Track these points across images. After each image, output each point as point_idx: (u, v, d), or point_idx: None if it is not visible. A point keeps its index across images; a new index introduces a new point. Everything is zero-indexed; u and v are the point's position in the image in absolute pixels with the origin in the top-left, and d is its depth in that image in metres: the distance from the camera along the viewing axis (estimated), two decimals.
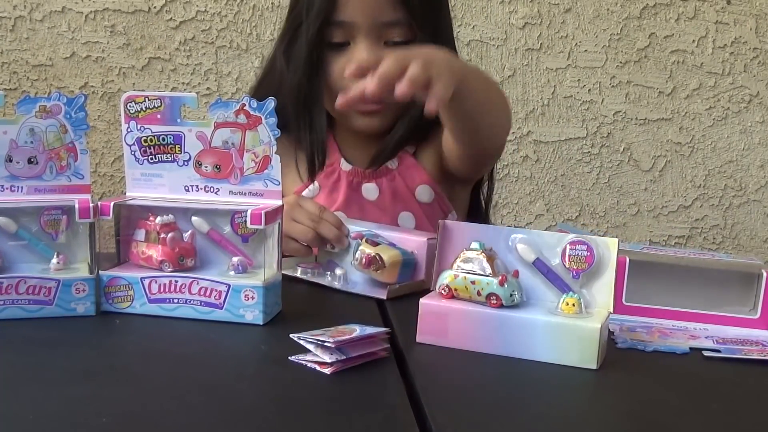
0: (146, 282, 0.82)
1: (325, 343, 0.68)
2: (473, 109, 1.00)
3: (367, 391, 0.65)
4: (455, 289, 0.76)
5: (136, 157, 0.86)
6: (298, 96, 1.15)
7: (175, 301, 0.82)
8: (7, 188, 0.83)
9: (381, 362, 0.71)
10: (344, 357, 0.68)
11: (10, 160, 0.83)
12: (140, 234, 0.85)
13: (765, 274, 0.84)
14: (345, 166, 1.21)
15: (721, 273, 0.88)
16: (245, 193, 0.85)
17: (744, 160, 2.00)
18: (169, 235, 0.84)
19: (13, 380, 0.65)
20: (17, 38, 1.76)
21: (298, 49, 1.14)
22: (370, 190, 1.20)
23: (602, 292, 0.75)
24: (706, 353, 0.77)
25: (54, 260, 0.82)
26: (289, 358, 0.70)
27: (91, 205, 0.81)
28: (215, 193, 0.85)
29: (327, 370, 0.67)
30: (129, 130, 0.86)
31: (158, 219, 0.84)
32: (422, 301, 0.76)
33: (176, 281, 0.82)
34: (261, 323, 0.80)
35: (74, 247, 0.84)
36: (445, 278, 0.77)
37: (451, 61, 0.90)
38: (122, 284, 0.83)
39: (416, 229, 1.18)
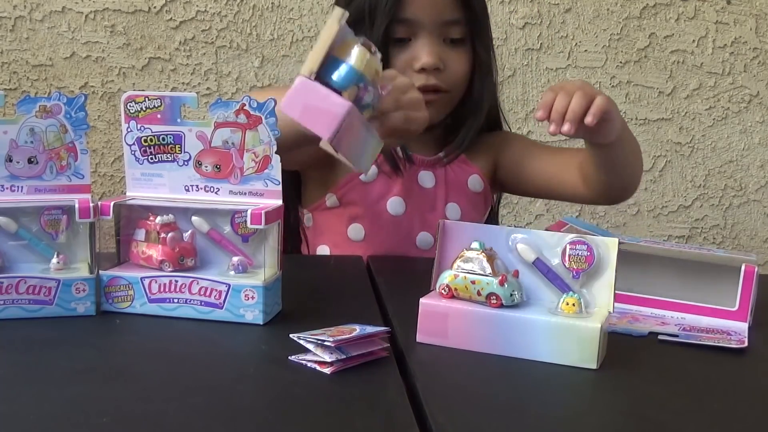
0: (146, 282, 0.82)
1: (325, 343, 0.68)
2: (621, 159, 1.09)
3: (367, 391, 0.65)
4: (455, 289, 0.76)
5: (136, 157, 0.86)
6: None
7: (175, 300, 0.82)
8: (7, 188, 0.83)
9: (381, 362, 0.71)
10: (344, 356, 0.68)
11: (11, 160, 0.83)
12: (140, 234, 0.85)
13: (744, 268, 0.85)
14: (401, 152, 1.24)
15: (712, 267, 0.90)
16: (245, 193, 0.85)
17: (744, 160, 2.00)
18: (169, 234, 0.84)
19: (13, 380, 0.65)
20: (17, 38, 1.76)
21: None
22: (426, 178, 1.23)
23: (602, 291, 0.75)
24: (661, 337, 0.80)
25: (54, 260, 0.82)
26: (289, 357, 0.70)
27: (91, 205, 0.81)
28: (215, 192, 0.85)
29: (327, 370, 0.67)
30: (129, 129, 0.86)
31: (158, 219, 0.84)
32: (422, 300, 0.77)
33: (176, 281, 0.82)
34: (261, 323, 0.80)
35: (74, 247, 0.84)
36: (446, 278, 0.77)
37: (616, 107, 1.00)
38: (122, 284, 0.83)
39: (461, 220, 1.22)
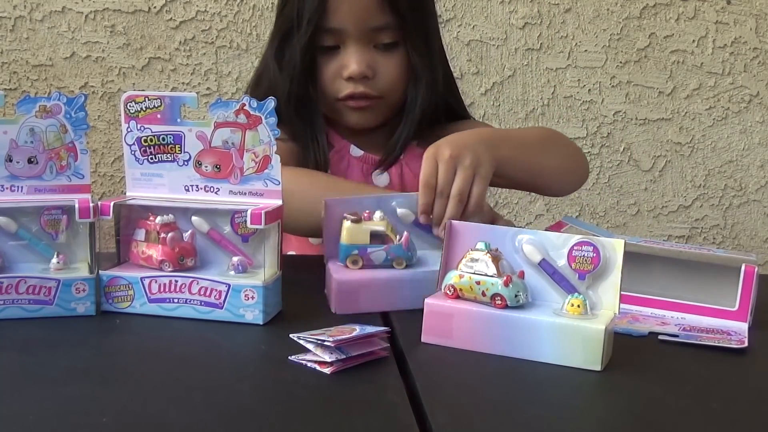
0: (146, 282, 0.82)
1: (325, 343, 0.68)
2: (521, 176, 1.08)
3: (368, 391, 0.65)
4: (460, 289, 0.76)
5: (136, 157, 0.86)
6: (291, 100, 1.17)
7: (175, 300, 0.82)
8: (7, 188, 0.83)
9: (381, 362, 0.70)
10: (344, 356, 0.68)
11: (10, 160, 0.83)
12: (140, 234, 0.85)
13: (744, 268, 0.85)
14: (355, 152, 1.23)
15: (712, 267, 0.90)
16: (245, 193, 0.84)
17: (744, 160, 2.00)
18: (169, 234, 0.83)
19: (13, 380, 0.65)
20: (17, 38, 1.76)
21: (290, 55, 1.16)
22: (380, 178, 1.23)
23: (608, 293, 0.75)
24: (661, 337, 0.80)
25: (54, 260, 0.82)
26: (289, 357, 0.70)
27: (91, 204, 0.81)
28: (215, 192, 0.85)
29: (327, 370, 0.67)
30: (129, 129, 0.86)
31: (158, 219, 0.84)
32: (427, 301, 0.76)
33: (176, 281, 0.82)
34: (261, 323, 0.80)
35: (74, 247, 0.84)
36: (451, 278, 0.77)
37: (486, 144, 0.98)
38: (122, 284, 0.83)
39: None
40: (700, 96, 1.96)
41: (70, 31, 1.76)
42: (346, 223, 0.87)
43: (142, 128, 0.85)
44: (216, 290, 0.81)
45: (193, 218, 0.86)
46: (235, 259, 0.84)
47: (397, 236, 0.88)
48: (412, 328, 0.77)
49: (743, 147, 1.99)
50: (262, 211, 0.79)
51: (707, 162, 1.99)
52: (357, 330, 0.70)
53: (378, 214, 0.89)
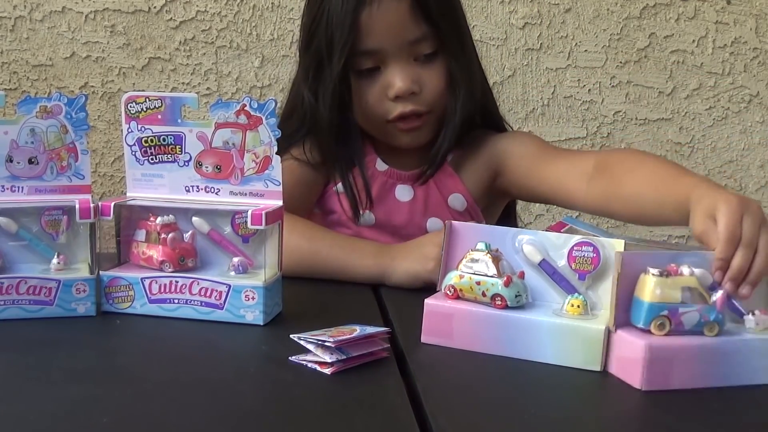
0: (147, 282, 0.82)
1: (325, 343, 0.68)
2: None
3: (368, 391, 0.65)
4: (460, 290, 0.76)
5: (136, 158, 0.86)
6: (331, 130, 1.13)
7: (176, 301, 0.82)
8: (7, 188, 0.83)
9: (381, 362, 0.71)
10: (344, 357, 0.68)
11: (11, 161, 0.83)
12: (141, 234, 0.85)
13: None
14: (381, 166, 1.20)
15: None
16: (246, 194, 0.85)
17: (744, 160, 2.00)
18: (170, 235, 0.84)
19: (13, 380, 0.65)
20: (17, 38, 1.76)
21: (326, 84, 1.11)
22: (403, 191, 1.19)
23: (608, 293, 0.75)
24: None
25: (54, 260, 0.82)
26: (289, 358, 0.70)
27: (91, 205, 0.81)
28: (216, 193, 0.85)
29: (327, 370, 0.67)
30: (130, 130, 0.86)
31: (159, 219, 0.84)
32: (427, 301, 0.76)
33: (176, 281, 0.82)
34: (261, 323, 0.80)
35: (74, 248, 0.84)
36: (451, 278, 0.77)
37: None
38: (123, 284, 0.83)
39: None
40: (700, 96, 1.96)
41: (70, 31, 1.76)
42: (653, 278, 0.69)
43: (143, 129, 0.86)
44: (216, 291, 0.81)
45: (194, 219, 0.86)
46: (235, 259, 0.84)
47: (711, 296, 0.71)
48: (412, 328, 0.77)
49: (743, 147, 1.99)
50: (263, 212, 0.79)
51: (707, 162, 1.99)
52: (357, 330, 0.70)
53: (686, 269, 0.71)
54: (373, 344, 0.71)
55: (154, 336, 0.78)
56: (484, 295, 0.75)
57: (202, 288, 0.81)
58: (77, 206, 0.81)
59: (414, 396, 0.64)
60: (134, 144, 0.86)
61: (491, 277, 0.75)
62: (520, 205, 1.95)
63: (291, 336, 0.71)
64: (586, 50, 1.91)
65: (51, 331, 0.77)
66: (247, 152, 0.84)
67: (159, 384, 0.65)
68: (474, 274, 0.75)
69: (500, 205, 1.30)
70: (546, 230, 0.83)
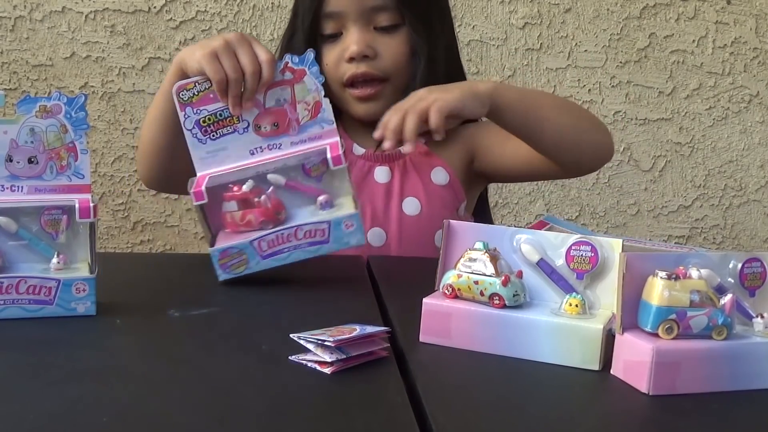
0: (255, 243, 0.90)
1: (325, 343, 0.68)
2: (518, 121, 1.08)
3: (368, 391, 0.65)
4: (458, 289, 0.76)
5: (198, 139, 0.93)
6: None
7: (286, 250, 0.90)
8: (7, 188, 0.83)
9: (381, 362, 0.71)
10: (344, 356, 0.68)
11: (11, 160, 0.83)
12: (231, 205, 0.92)
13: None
14: (357, 150, 1.23)
15: None
16: (305, 140, 0.93)
17: (744, 160, 2.00)
18: (262, 197, 0.91)
19: (13, 380, 0.65)
20: (17, 38, 1.76)
21: (296, 44, 1.19)
22: (381, 173, 1.22)
23: (606, 293, 0.75)
24: None
25: (54, 260, 0.82)
26: (289, 357, 0.70)
27: (91, 204, 0.81)
28: (278, 148, 0.93)
29: (327, 370, 0.67)
30: (186, 116, 0.93)
31: (245, 186, 0.92)
32: (425, 300, 0.76)
33: (282, 233, 0.90)
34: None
35: (74, 247, 0.84)
36: (449, 278, 0.77)
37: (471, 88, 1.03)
38: (234, 252, 0.90)
39: (420, 216, 1.20)
40: (700, 96, 1.96)
41: (70, 31, 1.77)
42: (661, 281, 0.68)
43: (198, 111, 0.93)
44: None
45: (269, 176, 0.93)
46: (320, 198, 0.92)
47: (719, 299, 0.69)
48: (412, 328, 0.77)
49: (743, 147, 1.99)
50: (338, 144, 0.91)
51: (707, 162, 1.99)
52: (357, 330, 0.70)
53: (695, 272, 0.70)
54: (372, 344, 0.71)
55: (154, 336, 0.78)
56: (482, 294, 0.75)
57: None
58: (77, 206, 0.81)
59: (414, 395, 0.64)
60: (193, 127, 0.93)
61: (489, 276, 0.75)
62: (520, 205, 1.95)
63: (291, 335, 0.71)
64: (586, 50, 1.91)
65: (51, 331, 0.77)
66: (299, 103, 0.92)
67: (159, 383, 0.65)
68: (472, 273, 0.75)
69: (478, 189, 1.31)
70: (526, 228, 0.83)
